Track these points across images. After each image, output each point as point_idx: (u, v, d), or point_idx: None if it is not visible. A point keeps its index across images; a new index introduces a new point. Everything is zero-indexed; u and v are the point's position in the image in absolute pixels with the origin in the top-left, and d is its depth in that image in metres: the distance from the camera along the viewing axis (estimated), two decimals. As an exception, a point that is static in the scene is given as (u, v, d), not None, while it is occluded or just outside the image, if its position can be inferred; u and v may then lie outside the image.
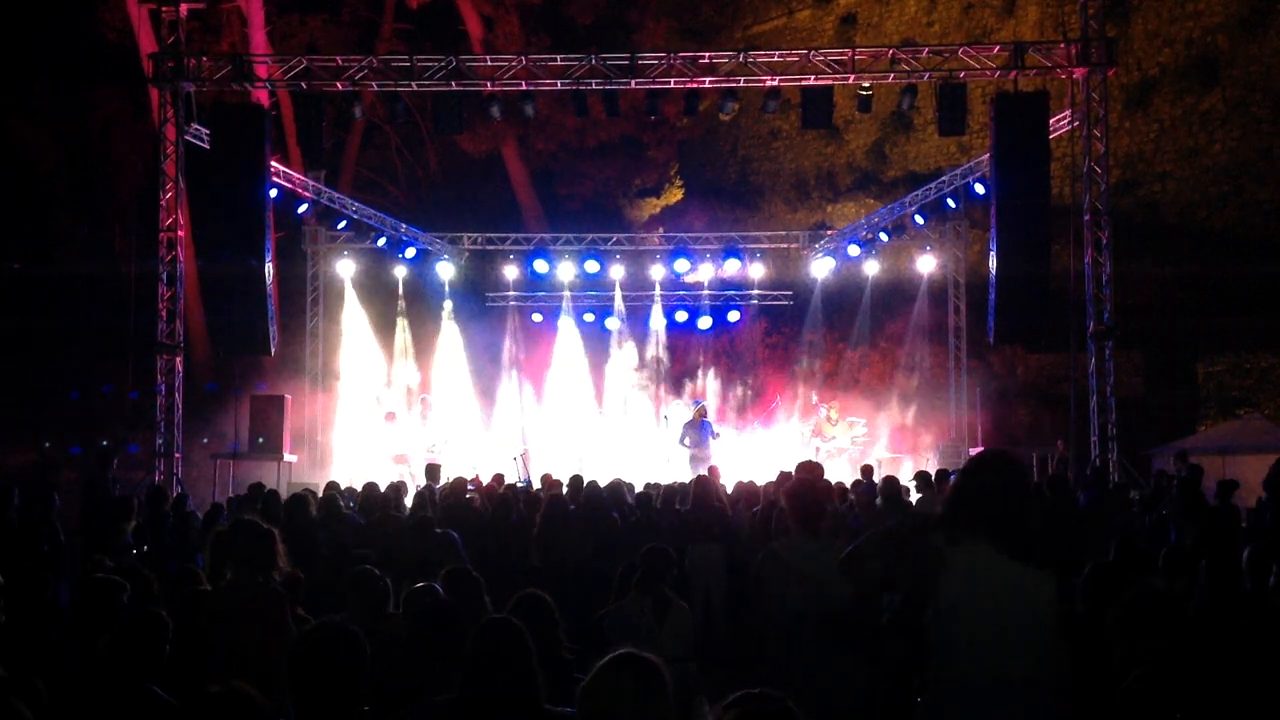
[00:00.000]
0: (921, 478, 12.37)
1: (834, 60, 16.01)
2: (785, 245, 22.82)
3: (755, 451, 19.83)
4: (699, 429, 18.00)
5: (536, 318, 23.31)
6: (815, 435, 19.38)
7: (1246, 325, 20.17)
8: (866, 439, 19.61)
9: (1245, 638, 4.33)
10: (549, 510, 8.83)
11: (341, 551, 8.81)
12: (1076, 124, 15.67)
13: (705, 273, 22.27)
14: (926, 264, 21.23)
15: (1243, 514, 11.03)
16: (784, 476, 9.44)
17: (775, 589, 4.86)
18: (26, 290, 23.82)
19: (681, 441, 18.01)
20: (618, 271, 21.91)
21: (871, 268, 21.42)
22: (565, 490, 11.17)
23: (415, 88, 16.10)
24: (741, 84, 16.51)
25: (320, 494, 11.47)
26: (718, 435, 18.36)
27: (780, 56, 16.55)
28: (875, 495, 10.87)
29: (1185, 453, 13.66)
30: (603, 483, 10.90)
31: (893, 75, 15.95)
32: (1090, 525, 10.44)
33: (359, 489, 11.82)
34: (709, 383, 23.20)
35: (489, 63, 16.95)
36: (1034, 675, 3.34)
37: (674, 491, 11.59)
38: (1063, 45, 15.69)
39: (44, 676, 3.98)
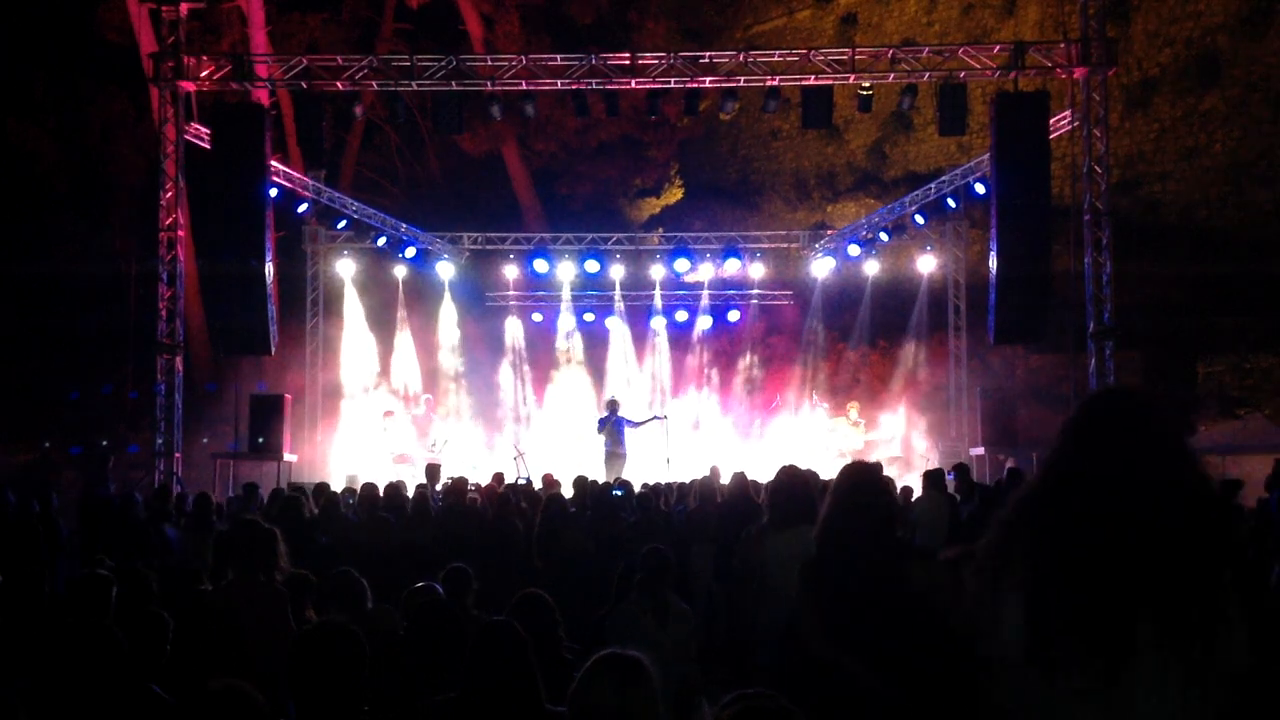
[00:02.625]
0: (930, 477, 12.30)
1: (834, 60, 16.01)
2: (785, 245, 22.81)
3: (755, 451, 19.83)
4: (615, 426, 17.92)
5: (536, 318, 23.31)
6: (830, 434, 19.36)
7: (1246, 325, 20.18)
8: (873, 439, 19.61)
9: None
10: (547, 510, 8.84)
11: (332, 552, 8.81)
12: (1076, 124, 15.67)
13: (705, 273, 22.26)
14: (926, 264, 21.23)
15: (1246, 514, 11.01)
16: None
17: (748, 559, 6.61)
18: (26, 290, 23.80)
19: (600, 430, 18.04)
20: (618, 271, 21.91)
21: (871, 268, 21.42)
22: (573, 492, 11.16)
23: (415, 88, 16.10)
24: (741, 84, 16.51)
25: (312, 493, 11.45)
26: (638, 424, 18.38)
27: (780, 56, 16.55)
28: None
29: None
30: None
31: (893, 75, 15.95)
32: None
33: (356, 488, 11.85)
34: (709, 382, 23.19)
35: (489, 62, 16.94)
36: None
37: (661, 490, 11.62)
38: (1063, 45, 15.69)
39: (42, 675, 3.98)
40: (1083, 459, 2.66)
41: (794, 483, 5.83)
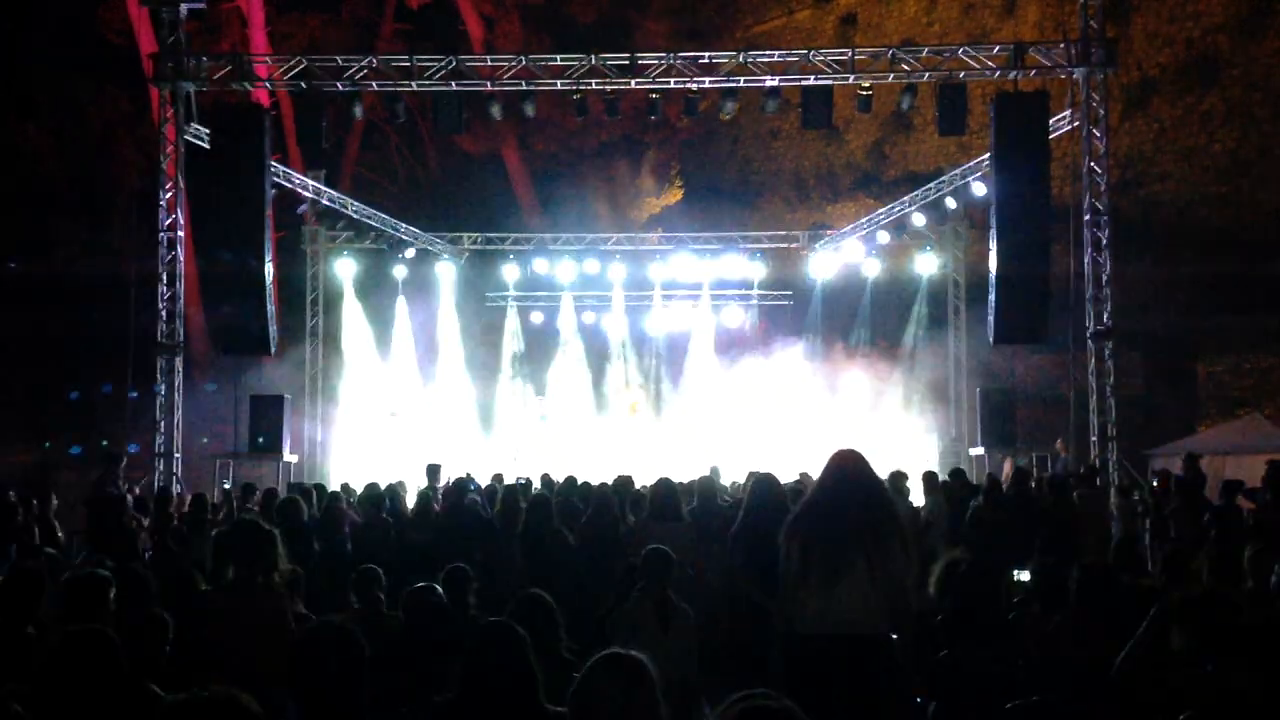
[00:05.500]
0: (929, 478, 12.31)
1: (834, 60, 15.99)
2: (785, 245, 22.80)
3: (755, 450, 19.79)
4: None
5: (537, 317, 23.30)
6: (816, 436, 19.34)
7: (1246, 325, 20.17)
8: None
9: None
10: (531, 511, 8.83)
11: (341, 551, 8.81)
12: (1076, 124, 15.65)
13: (706, 272, 22.26)
14: (926, 264, 21.21)
15: (1245, 514, 11.01)
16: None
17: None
18: (26, 290, 23.79)
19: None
20: (618, 271, 21.90)
21: (871, 268, 21.40)
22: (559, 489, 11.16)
23: (415, 88, 16.09)
24: (741, 84, 16.50)
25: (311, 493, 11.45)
26: None
27: (780, 56, 16.54)
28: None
29: (1194, 455, 13.61)
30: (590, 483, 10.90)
31: (893, 75, 15.93)
32: (1084, 525, 10.44)
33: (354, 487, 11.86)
34: (709, 382, 23.16)
35: (489, 62, 16.94)
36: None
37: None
38: (1063, 45, 15.68)
39: (41, 675, 3.97)
40: (825, 485, 5.28)
41: (669, 490, 8.25)
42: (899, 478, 10.65)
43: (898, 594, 4.92)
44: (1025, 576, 6.54)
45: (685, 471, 16.32)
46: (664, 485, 8.38)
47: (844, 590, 4.86)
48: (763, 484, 6.93)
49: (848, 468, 5.17)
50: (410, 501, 11.55)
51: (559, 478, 12.73)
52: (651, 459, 18.79)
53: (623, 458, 18.77)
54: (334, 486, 13.99)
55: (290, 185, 18.58)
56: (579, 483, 11.11)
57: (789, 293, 23.35)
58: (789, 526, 5.19)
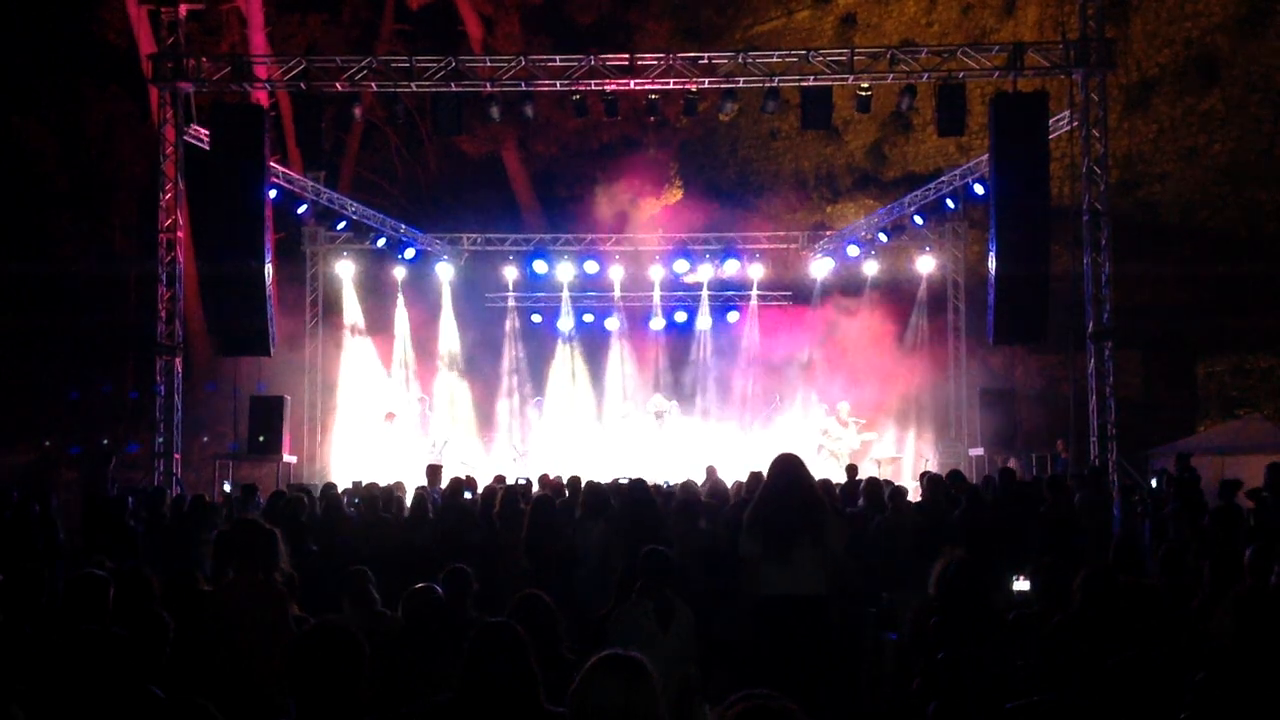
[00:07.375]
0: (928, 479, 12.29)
1: (834, 60, 16.00)
2: (785, 245, 22.80)
3: (756, 451, 19.80)
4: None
5: (536, 318, 23.29)
6: (823, 434, 19.35)
7: (1246, 325, 20.17)
8: (871, 439, 19.61)
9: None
10: (535, 511, 8.83)
11: (340, 551, 8.82)
12: (1076, 124, 15.66)
13: (705, 273, 22.25)
14: (926, 264, 21.22)
15: (1245, 514, 11.01)
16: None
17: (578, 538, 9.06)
18: (26, 290, 23.81)
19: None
20: (618, 271, 21.89)
21: (871, 268, 21.40)
22: (567, 491, 11.16)
23: (415, 88, 16.09)
24: (741, 84, 16.50)
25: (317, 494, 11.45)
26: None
27: (780, 57, 16.54)
28: (858, 496, 10.84)
29: (1185, 454, 13.64)
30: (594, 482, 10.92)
31: (892, 76, 15.94)
32: (1084, 526, 10.44)
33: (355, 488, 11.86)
34: (709, 383, 23.17)
35: (489, 63, 16.93)
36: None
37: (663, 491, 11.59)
38: (1062, 46, 15.69)
39: (43, 676, 3.97)
40: (773, 482, 6.53)
41: (599, 490, 9.17)
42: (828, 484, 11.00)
43: (833, 562, 6.33)
44: (1023, 584, 6.48)
45: (686, 471, 16.37)
46: (594, 486, 9.39)
47: (794, 561, 6.23)
48: (632, 488, 8.57)
49: (790, 469, 6.48)
50: (409, 502, 11.56)
51: (555, 478, 12.75)
52: (651, 459, 18.81)
53: (624, 457, 18.82)
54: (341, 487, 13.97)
55: (290, 185, 18.59)
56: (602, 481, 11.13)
57: (789, 293, 23.34)
58: (749, 515, 6.56)
